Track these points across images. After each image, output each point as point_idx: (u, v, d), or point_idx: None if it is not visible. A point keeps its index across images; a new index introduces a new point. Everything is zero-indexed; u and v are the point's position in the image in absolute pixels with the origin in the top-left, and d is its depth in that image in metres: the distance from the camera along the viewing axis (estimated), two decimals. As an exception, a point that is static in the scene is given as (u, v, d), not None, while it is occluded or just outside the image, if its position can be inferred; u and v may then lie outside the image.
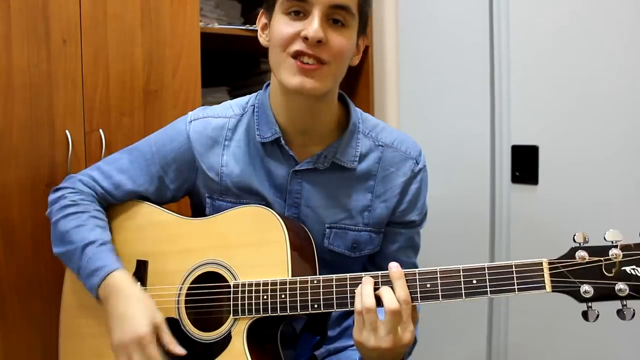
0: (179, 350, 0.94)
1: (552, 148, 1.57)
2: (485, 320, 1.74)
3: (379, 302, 0.85)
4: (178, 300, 1.01)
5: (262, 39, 1.04)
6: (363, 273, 0.90)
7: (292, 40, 0.94)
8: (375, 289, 0.87)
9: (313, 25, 0.92)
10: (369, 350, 0.86)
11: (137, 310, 0.94)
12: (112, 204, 1.11)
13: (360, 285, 0.88)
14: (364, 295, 0.86)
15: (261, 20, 1.04)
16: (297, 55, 0.94)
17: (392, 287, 0.86)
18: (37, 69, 1.32)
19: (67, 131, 1.36)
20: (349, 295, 0.90)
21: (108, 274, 0.98)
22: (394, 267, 0.87)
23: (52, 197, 1.11)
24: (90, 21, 1.38)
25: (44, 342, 1.33)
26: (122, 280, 0.98)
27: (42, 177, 1.34)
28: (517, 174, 1.65)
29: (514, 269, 0.82)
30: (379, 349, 0.84)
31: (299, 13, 0.94)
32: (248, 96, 1.13)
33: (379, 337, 0.84)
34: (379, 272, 0.89)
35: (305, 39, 0.92)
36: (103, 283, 0.98)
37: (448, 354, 1.81)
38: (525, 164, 1.62)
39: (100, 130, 1.41)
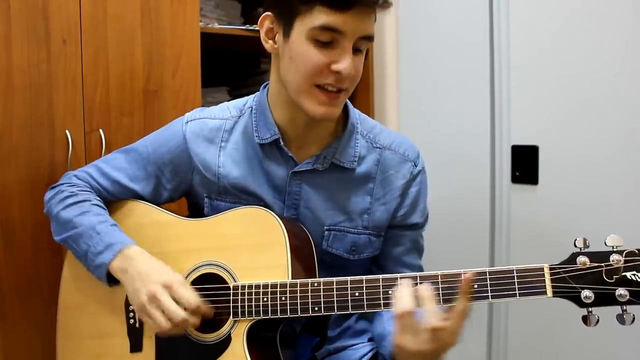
0: (204, 307, 0.94)
1: (552, 148, 1.57)
2: (485, 321, 1.74)
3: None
4: None
5: (269, 45, 0.99)
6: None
7: (321, 70, 0.92)
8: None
9: (347, 61, 0.91)
10: (411, 354, 0.83)
11: (160, 267, 0.96)
12: (109, 202, 1.11)
13: (398, 288, 0.85)
14: (402, 298, 0.83)
15: (265, 24, 0.98)
16: (323, 88, 0.94)
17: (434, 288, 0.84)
18: (37, 69, 1.32)
19: (67, 131, 1.36)
20: (349, 298, 0.89)
21: (127, 246, 0.99)
22: (466, 279, 0.82)
23: (48, 194, 1.12)
24: (90, 21, 1.38)
25: (44, 342, 1.33)
26: (142, 251, 0.99)
27: (42, 177, 1.34)
28: (517, 174, 1.65)
29: (515, 274, 0.82)
30: (422, 352, 0.82)
31: (330, 42, 0.91)
32: (245, 98, 1.12)
33: (421, 340, 0.81)
34: (414, 274, 0.87)
35: (337, 72, 0.91)
36: (118, 256, 0.98)
37: (448, 354, 1.81)
38: (525, 164, 1.62)
39: (100, 130, 1.41)
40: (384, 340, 1.02)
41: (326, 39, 0.90)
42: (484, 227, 1.73)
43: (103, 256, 0.98)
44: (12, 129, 1.30)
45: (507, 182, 1.68)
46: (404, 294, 0.83)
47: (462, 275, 0.84)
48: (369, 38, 0.94)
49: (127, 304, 1.04)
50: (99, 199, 1.09)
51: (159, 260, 0.98)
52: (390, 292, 0.87)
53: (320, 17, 0.89)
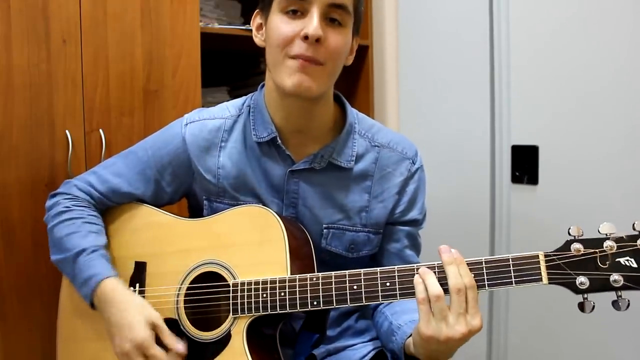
0: (181, 347, 0.94)
1: (552, 148, 1.57)
2: (485, 320, 1.74)
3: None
4: (177, 300, 1.00)
5: (258, 39, 1.03)
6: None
7: (291, 40, 0.94)
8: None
9: (313, 23, 0.92)
10: (441, 343, 0.83)
11: (133, 316, 0.94)
12: (109, 207, 1.11)
13: (417, 277, 0.86)
14: (430, 284, 0.84)
15: (256, 20, 1.04)
16: (296, 58, 0.94)
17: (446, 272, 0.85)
18: (37, 69, 1.32)
19: (67, 131, 1.36)
20: (348, 291, 0.90)
21: (99, 283, 0.98)
22: (447, 252, 0.87)
23: (48, 203, 1.11)
24: (90, 21, 1.38)
25: (43, 342, 1.33)
26: (113, 288, 0.98)
27: (42, 177, 1.34)
28: (517, 174, 1.65)
29: (511, 262, 0.83)
30: (451, 339, 0.82)
31: (297, 12, 0.94)
32: (244, 97, 1.12)
33: (450, 324, 0.82)
34: (434, 263, 0.88)
35: (305, 37, 0.92)
36: (96, 292, 0.98)
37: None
38: (525, 164, 1.63)
39: (100, 130, 1.41)
40: (392, 334, 1.01)
41: (293, 7, 0.94)
42: (484, 227, 1.73)
43: (84, 290, 0.99)
44: (12, 129, 1.30)
45: (507, 182, 1.68)
46: (429, 280, 0.84)
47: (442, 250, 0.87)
48: (341, 6, 0.95)
49: None
50: (94, 213, 1.08)
51: (130, 300, 0.97)
52: (388, 284, 0.88)
53: None
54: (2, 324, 1.30)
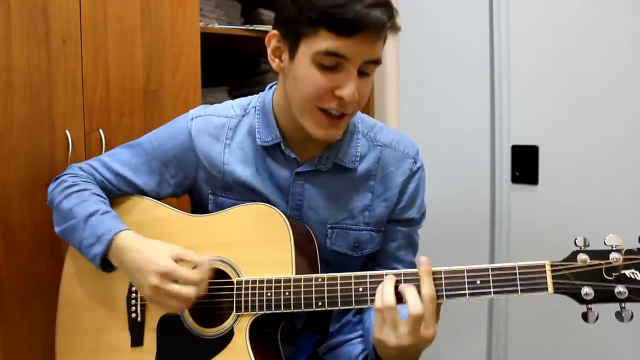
0: (206, 260, 0.94)
1: (552, 148, 1.57)
2: (485, 320, 1.74)
3: (399, 299, 0.85)
4: None
5: (275, 64, 0.99)
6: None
7: (324, 94, 0.92)
8: (396, 287, 0.86)
9: (351, 86, 0.90)
10: (390, 349, 0.85)
11: (154, 253, 0.94)
12: (112, 198, 1.11)
13: (382, 283, 0.87)
14: (385, 293, 0.85)
15: (272, 42, 0.98)
16: (325, 112, 0.94)
17: (417, 285, 0.85)
18: (37, 69, 1.32)
19: (67, 131, 1.36)
20: (353, 293, 0.90)
21: (116, 234, 0.98)
22: (424, 262, 0.86)
23: (51, 186, 1.13)
24: (90, 21, 1.38)
25: (43, 342, 1.33)
26: (133, 237, 0.98)
27: (42, 177, 1.34)
28: (517, 174, 1.65)
29: (517, 271, 0.83)
30: (401, 347, 0.84)
31: (334, 67, 0.91)
32: (249, 97, 1.12)
33: (400, 335, 0.83)
34: (402, 270, 0.89)
35: (340, 98, 0.91)
36: (112, 245, 0.97)
37: (448, 354, 1.81)
38: (525, 164, 1.63)
39: (100, 130, 1.41)
40: (369, 334, 1.03)
41: (330, 64, 0.90)
42: (484, 227, 1.73)
43: (94, 248, 0.98)
44: (12, 129, 1.30)
45: (507, 182, 1.68)
46: (386, 289, 0.85)
47: (420, 261, 0.86)
48: (376, 62, 0.93)
49: (129, 297, 1.05)
50: (100, 189, 1.09)
51: (150, 242, 0.97)
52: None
53: (325, 42, 0.88)
54: (2, 324, 1.30)
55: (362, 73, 0.93)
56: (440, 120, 1.88)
